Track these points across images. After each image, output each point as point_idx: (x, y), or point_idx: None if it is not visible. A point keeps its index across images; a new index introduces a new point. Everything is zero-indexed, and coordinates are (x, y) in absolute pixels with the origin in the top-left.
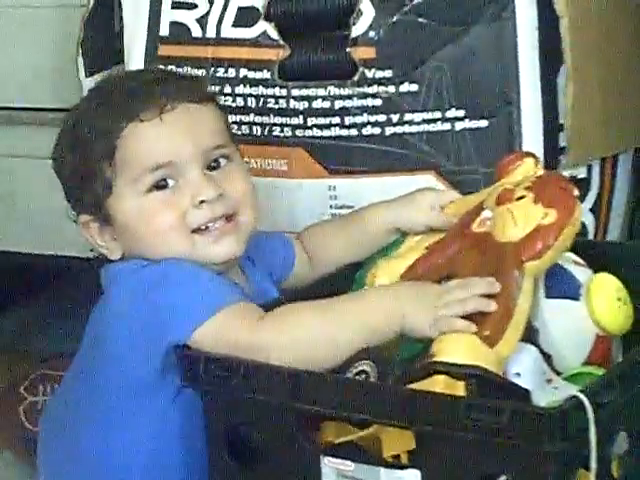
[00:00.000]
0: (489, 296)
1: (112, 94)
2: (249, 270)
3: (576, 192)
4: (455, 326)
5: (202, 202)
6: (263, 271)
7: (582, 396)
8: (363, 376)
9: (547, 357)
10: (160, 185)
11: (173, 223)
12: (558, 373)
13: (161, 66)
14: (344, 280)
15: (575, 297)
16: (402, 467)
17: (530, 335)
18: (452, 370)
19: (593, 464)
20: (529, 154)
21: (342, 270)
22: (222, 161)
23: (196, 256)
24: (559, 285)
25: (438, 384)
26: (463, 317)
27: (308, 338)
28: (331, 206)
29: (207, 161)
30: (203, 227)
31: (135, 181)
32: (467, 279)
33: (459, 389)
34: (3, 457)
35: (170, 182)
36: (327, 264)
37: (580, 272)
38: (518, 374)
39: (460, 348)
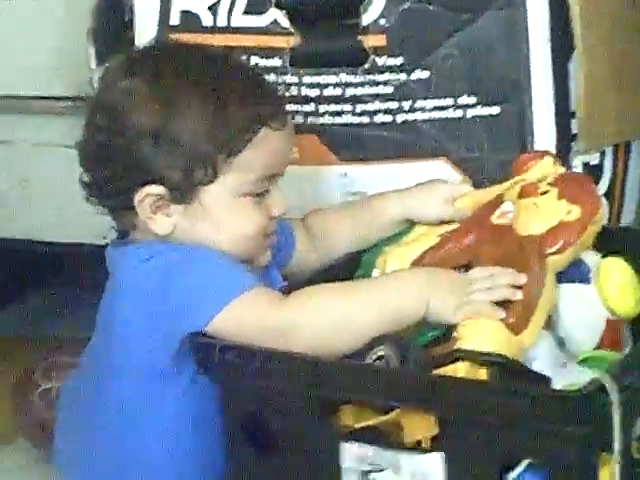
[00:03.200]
0: (514, 287)
1: (233, 84)
2: None
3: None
4: (482, 311)
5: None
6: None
7: (606, 379)
8: (383, 361)
9: (560, 341)
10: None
11: (259, 229)
12: (571, 357)
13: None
14: (348, 266)
15: (585, 281)
16: (423, 452)
17: None
18: (475, 357)
19: (617, 446)
20: (547, 152)
21: (346, 256)
22: None
23: (248, 256)
24: (569, 270)
25: (460, 371)
26: None
27: (331, 319)
28: (343, 193)
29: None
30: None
31: (245, 183)
32: (492, 268)
33: (481, 376)
34: (18, 443)
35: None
36: (333, 250)
37: (589, 256)
38: (534, 359)
39: (485, 334)
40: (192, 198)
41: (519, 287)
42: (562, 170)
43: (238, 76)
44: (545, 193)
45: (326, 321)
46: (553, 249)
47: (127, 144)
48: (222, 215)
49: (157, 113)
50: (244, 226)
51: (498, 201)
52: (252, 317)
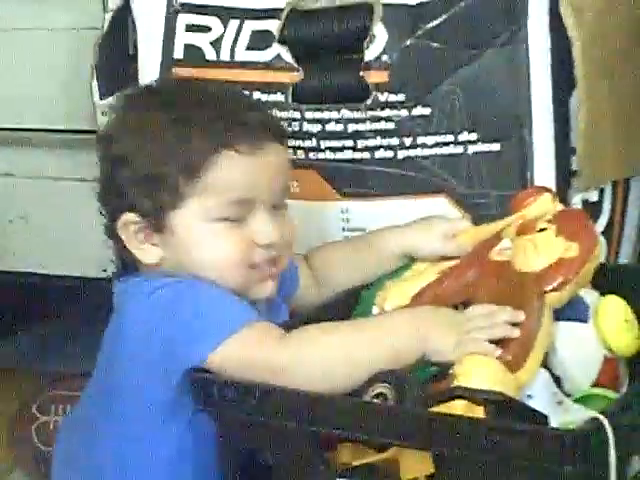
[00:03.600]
0: (512, 324)
1: (200, 108)
2: None
3: (596, 228)
4: (480, 349)
5: (267, 244)
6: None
7: (603, 418)
8: (381, 399)
9: (556, 379)
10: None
11: (235, 256)
12: (567, 395)
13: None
14: (348, 301)
15: (583, 319)
16: None
17: None
18: (472, 395)
19: None
20: (546, 189)
21: (346, 291)
22: (283, 203)
23: (240, 290)
24: (568, 308)
25: (458, 409)
26: None
27: (328, 360)
28: (343, 229)
29: (276, 203)
30: (256, 264)
31: (212, 208)
32: (490, 306)
33: (478, 413)
34: (15, 476)
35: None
36: (333, 285)
37: (588, 294)
38: (530, 396)
39: (482, 372)
40: (164, 225)
41: (517, 324)
42: (561, 207)
43: (214, 104)
44: (543, 230)
45: (326, 360)
46: (551, 286)
47: (107, 173)
48: (194, 241)
49: (129, 141)
50: (218, 253)
51: (497, 238)
52: (251, 354)
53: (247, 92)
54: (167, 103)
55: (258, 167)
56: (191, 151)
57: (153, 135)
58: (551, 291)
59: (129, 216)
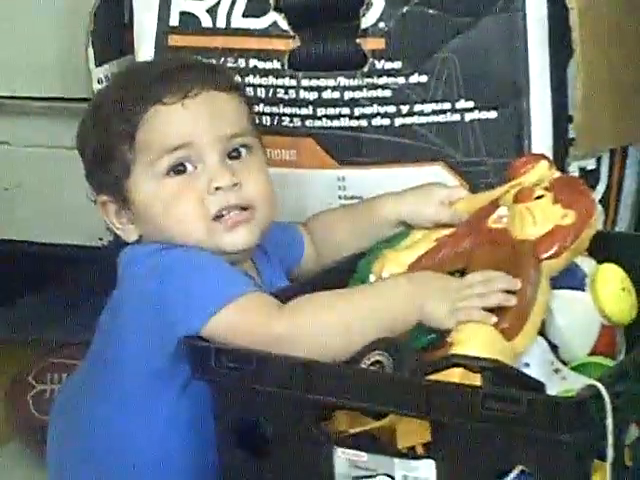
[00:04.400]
0: (508, 292)
1: (137, 77)
2: (261, 262)
3: (593, 196)
4: (476, 316)
5: (217, 189)
6: (275, 263)
7: (599, 385)
8: (378, 366)
9: (554, 347)
10: (178, 170)
11: (190, 208)
12: (564, 363)
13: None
14: (345, 269)
15: (580, 288)
16: (417, 458)
17: None
18: (469, 363)
19: (610, 453)
20: (543, 156)
21: (342, 260)
22: (243, 151)
23: (210, 244)
24: (564, 276)
25: (455, 376)
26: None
27: (325, 329)
28: (340, 197)
29: (227, 149)
30: (218, 215)
31: (153, 164)
32: (487, 273)
33: (475, 381)
34: (12, 446)
35: (189, 167)
36: (331, 252)
37: (584, 262)
38: (527, 364)
39: (478, 339)
40: (126, 198)
41: (513, 292)
42: (557, 174)
43: (149, 71)
44: (540, 197)
45: (323, 329)
46: (548, 254)
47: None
48: (149, 204)
49: (83, 125)
50: (173, 206)
51: (494, 205)
52: (248, 323)
53: (243, 59)
54: (111, 81)
55: (189, 113)
56: (125, 117)
57: (96, 112)
58: (548, 259)
59: (101, 198)
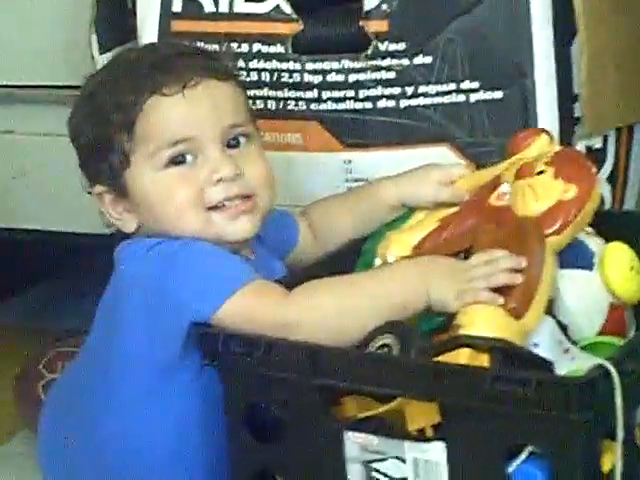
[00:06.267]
0: (514, 271)
1: (134, 66)
2: (257, 248)
3: (594, 169)
4: (482, 298)
5: (219, 180)
6: (269, 248)
7: (609, 364)
8: (385, 350)
9: (563, 327)
10: (178, 161)
11: (190, 199)
12: (574, 343)
13: (168, 41)
14: (349, 255)
15: (588, 267)
16: (427, 440)
17: None
18: (476, 343)
19: (620, 432)
20: (543, 130)
21: (347, 245)
22: (242, 140)
23: (211, 234)
24: (572, 255)
25: (463, 357)
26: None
27: (333, 314)
28: (346, 179)
29: (227, 139)
30: (220, 205)
31: (153, 155)
32: (492, 253)
33: (483, 362)
34: (22, 435)
35: (188, 158)
36: (332, 239)
37: (592, 242)
38: (536, 344)
39: (486, 320)
40: (124, 188)
41: (519, 271)
42: (558, 148)
43: (145, 60)
44: (541, 173)
45: (329, 316)
46: (552, 229)
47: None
48: (149, 195)
49: (78, 115)
50: (173, 197)
51: (496, 183)
52: (256, 311)
53: (247, 44)
54: (105, 69)
55: (189, 105)
56: (123, 107)
57: (90, 100)
58: (552, 234)
59: (97, 188)
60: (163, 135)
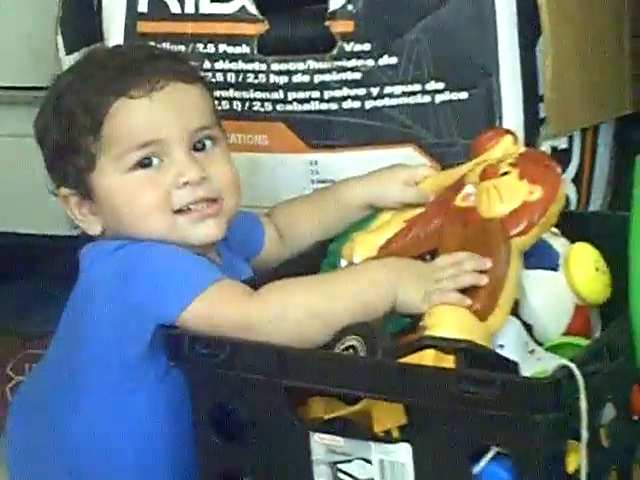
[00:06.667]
0: (479, 272)
1: (102, 68)
2: (222, 250)
3: (559, 169)
4: (450, 299)
5: (185, 183)
6: (235, 250)
7: (573, 366)
8: (351, 351)
9: (528, 328)
10: (144, 164)
11: (155, 202)
12: (539, 344)
13: (136, 42)
14: (315, 255)
15: (554, 267)
16: (393, 441)
17: None
18: (441, 344)
19: (584, 433)
20: (507, 131)
21: (313, 245)
22: (207, 143)
23: (176, 237)
24: (538, 256)
25: (428, 358)
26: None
27: (298, 315)
28: (312, 181)
29: (193, 142)
30: (185, 208)
31: (120, 158)
32: (457, 255)
33: (449, 363)
34: None
35: (155, 161)
36: (299, 241)
37: (558, 242)
38: (502, 346)
39: (451, 321)
40: (89, 190)
41: (484, 272)
42: (522, 149)
43: (113, 62)
44: (506, 174)
45: (295, 316)
46: (517, 230)
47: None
48: (114, 198)
49: (43, 118)
50: (139, 200)
51: (461, 183)
52: (220, 312)
53: (212, 45)
54: (73, 70)
55: (157, 108)
56: (90, 110)
57: (57, 102)
58: (516, 235)
59: (63, 190)
60: (130, 138)
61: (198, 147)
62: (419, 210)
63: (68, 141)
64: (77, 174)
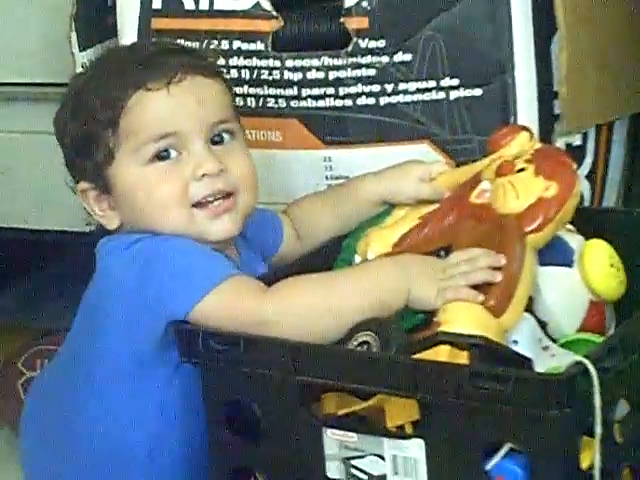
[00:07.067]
0: (494, 268)
1: (120, 63)
2: (241, 245)
3: (575, 166)
4: (463, 295)
5: (203, 175)
6: (254, 249)
7: (587, 362)
8: (365, 347)
9: (542, 324)
10: (162, 156)
11: (173, 195)
12: (553, 340)
13: (154, 39)
14: (329, 251)
15: (568, 264)
16: (406, 437)
17: None
18: (455, 340)
19: (598, 429)
20: (523, 127)
21: (327, 241)
22: (226, 137)
23: (193, 231)
24: (552, 252)
25: (442, 354)
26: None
27: (311, 311)
28: (327, 177)
29: (211, 135)
30: (203, 201)
31: (138, 150)
32: (471, 251)
33: (463, 359)
34: (2, 433)
35: (173, 153)
36: (314, 237)
37: (573, 239)
38: (515, 342)
39: (465, 318)
40: (108, 184)
41: (499, 268)
42: (538, 145)
43: (132, 57)
44: (522, 170)
45: (308, 312)
46: (532, 227)
47: (62, 147)
48: (132, 191)
49: (63, 112)
50: (157, 192)
51: (476, 180)
52: (234, 307)
53: (227, 41)
54: (91, 68)
55: (175, 100)
56: (108, 104)
57: (76, 99)
58: (532, 232)
59: (82, 185)
60: (147, 130)
61: (216, 140)
62: (434, 206)
63: (87, 135)
64: (96, 168)
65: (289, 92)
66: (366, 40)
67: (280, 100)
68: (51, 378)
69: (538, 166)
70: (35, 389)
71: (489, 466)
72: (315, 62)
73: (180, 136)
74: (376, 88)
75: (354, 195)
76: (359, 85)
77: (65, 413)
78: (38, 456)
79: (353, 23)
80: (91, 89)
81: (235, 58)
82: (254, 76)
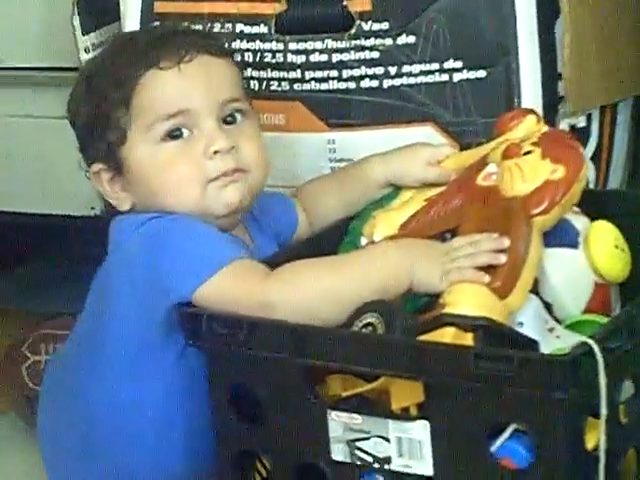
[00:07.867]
0: (498, 251)
1: (132, 44)
2: (253, 229)
3: (582, 149)
4: (468, 276)
5: (215, 153)
6: (269, 234)
7: (592, 342)
8: (370, 329)
9: (547, 306)
10: (174, 135)
11: (186, 172)
12: (558, 321)
13: (157, 23)
14: (334, 234)
15: (574, 245)
16: (411, 419)
17: None
18: (460, 322)
19: (603, 410)
20: (530, 111)
21: (332, 224)
22: (238, 116)
23: (204, 205)
24: (558, 234)
25: (447, 336)
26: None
27: (315, 295)
28: (330, 159)
29: (223, 114)
30: (216, 178)
31: (150, 129)
32: (473, 236)
33: (467, 340)
34: (7, 418)
35: (185, 132)
36: (322, 220)
37: (578, 220)
38: (521, 323)
39: (471, 299)
40: (121, 165)
41: (503, 251)
42: (545, 128)
43: (143, 37)
44: (529, 153)
45: (312, 295)
46: (539, 209)
47: (74, 129)
48: (145, 169)
49: (76, 94)
50: (170, 171)
51: (483, 162)
52: (238, 290)
53: (230, 24)
54: (102, 52)
55: (186, 78)
56: (120, 84)
57: (88, 81)
58: (538, 214)
59: (95, 166)
60: (159, 108)
61: (229, 120)
62: (440, 189)
63: (99, 116)
64: (108, 149)
65: (292, 75)
66: (369, 22)
67: (283, 83)
68: (63, 357)
69: (545, 149)
70: (51, 368)
71: (494, 447)
72: (318, 45)
73: (191, 114)
74: (379, 70)
75: (361, 177)
76: (362, 68)
77: (73, 388)
78: (50, 441)
79: (356, 5)
80: (103, 71)
81: (238, 41)
82: (257, 59)
